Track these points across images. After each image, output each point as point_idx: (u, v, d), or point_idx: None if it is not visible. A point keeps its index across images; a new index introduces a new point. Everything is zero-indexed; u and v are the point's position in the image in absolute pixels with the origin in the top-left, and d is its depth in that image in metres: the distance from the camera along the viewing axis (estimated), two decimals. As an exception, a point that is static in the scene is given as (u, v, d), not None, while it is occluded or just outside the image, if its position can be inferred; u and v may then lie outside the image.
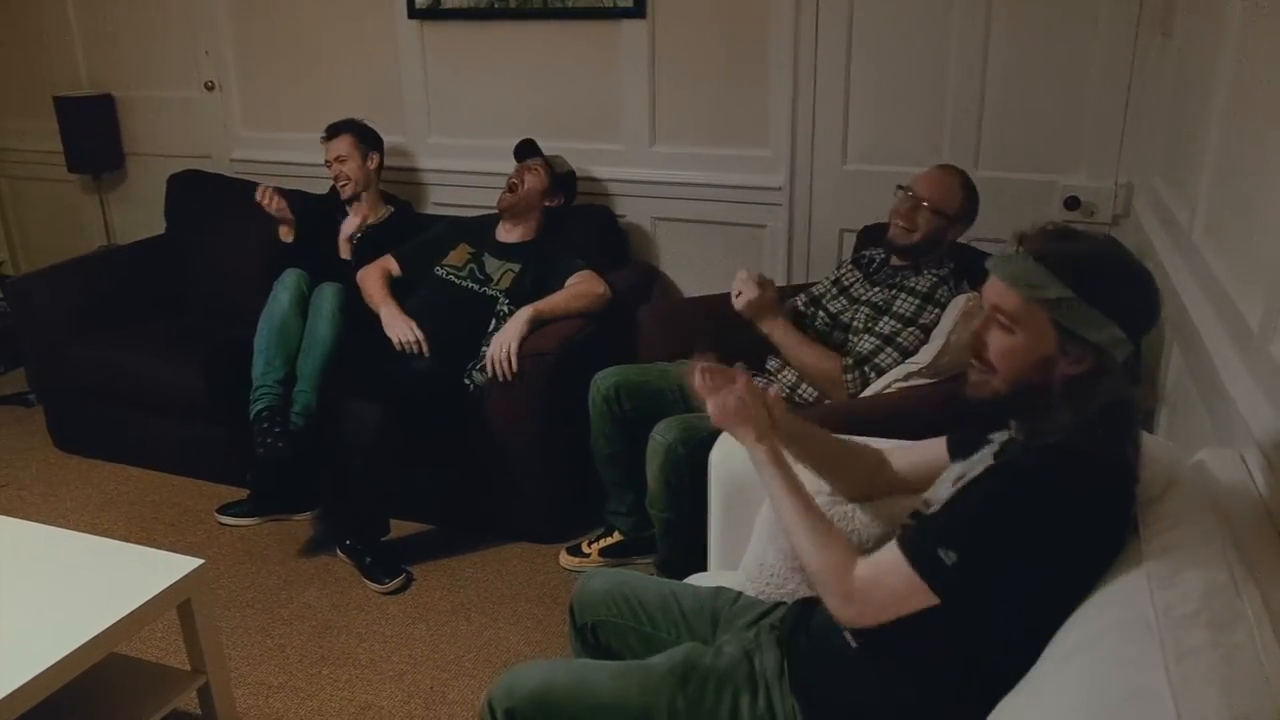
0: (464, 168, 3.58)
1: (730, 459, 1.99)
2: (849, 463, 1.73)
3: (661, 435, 2.37)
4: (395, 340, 2.92)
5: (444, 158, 3.64)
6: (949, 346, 2.31)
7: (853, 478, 1.73)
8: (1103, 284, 1.27)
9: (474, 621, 2.59)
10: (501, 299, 2.97)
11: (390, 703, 2.30)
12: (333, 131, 3.35)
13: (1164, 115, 2.52)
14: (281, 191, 3.20)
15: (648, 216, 3.43)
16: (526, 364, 2.73)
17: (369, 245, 3.29)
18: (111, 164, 4.22)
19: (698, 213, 3.35)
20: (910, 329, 2.39)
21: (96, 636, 1.77)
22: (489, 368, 2.75)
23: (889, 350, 2.39)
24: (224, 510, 3.07)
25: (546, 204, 3.13)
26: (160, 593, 1.89)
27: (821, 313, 2.61)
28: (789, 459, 1.54)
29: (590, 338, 2.89)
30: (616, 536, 2.78)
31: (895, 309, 2.42)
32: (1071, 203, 2.85)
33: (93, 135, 4.11)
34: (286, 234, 3.24)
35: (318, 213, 3.40)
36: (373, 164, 3.35)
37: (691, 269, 3.43)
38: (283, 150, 3.87)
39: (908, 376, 2.35)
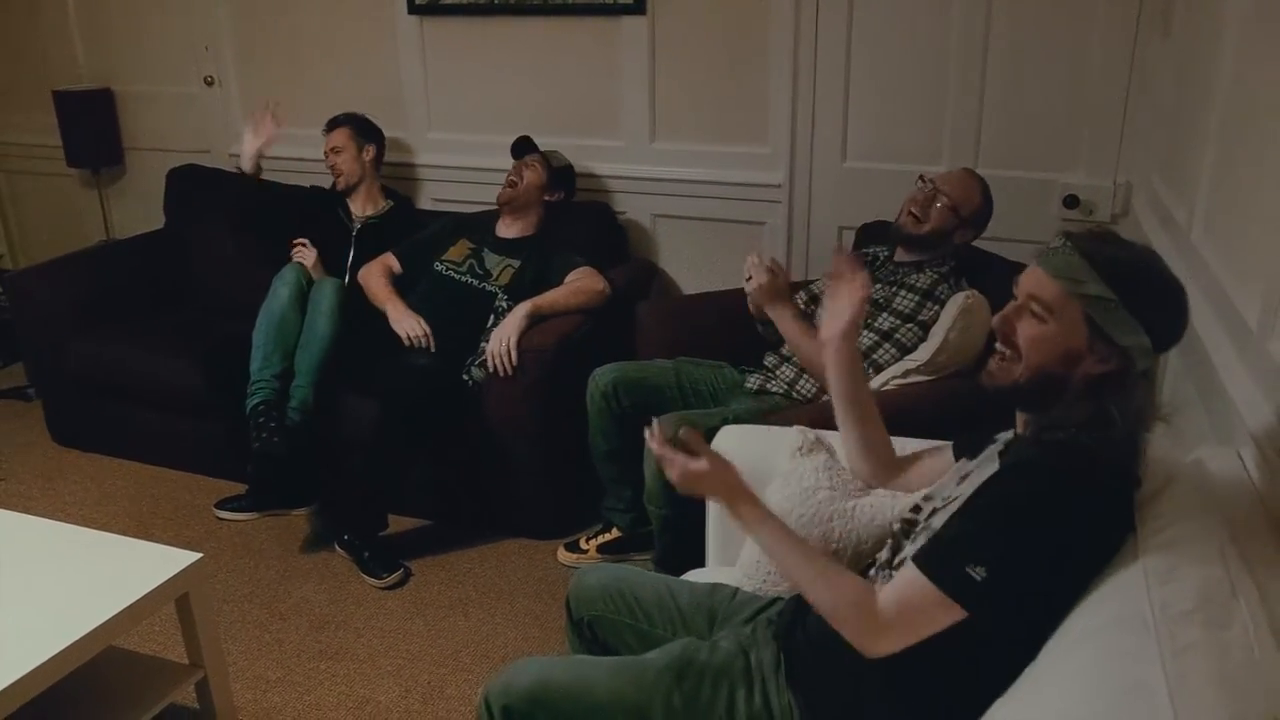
0: (464, 163, 3.58)
1: (728, 455, 1.97)
2: (873, 442, 1.75)
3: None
4: (403, 335, 2.92)
5: (444, 153, 3.64)
6: (948, 344, 2.31)
7: (869, 459, 1.75)
8: (1141, 291, 1.29)
9: (472, 617, 2.59)
10: (500, 295, 2.97)
11: (388, 697, 2.31)
12: (331, 125, 3.37)
13: (1163, 114, 2.52)
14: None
15: (647, 213, 3.43)
16: (525, 360, 2.73)
17: (368, 238, 3.29)
18: (111, 159, 4.22)
19: (697, 210, 3.35)
20: (909, 325, 2.39)
21: (95, 630, 1.77)
22: (489, 362, 2.75)
23: (887, 346, 2.39)
24: (222, 505, 3.07)
25: (546, 199, 3.13)
26: (158, 586, 1.90)
27: (822, 310, 2.61)
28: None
29: (589, 334, 2.89)
30: (615, 533, 2.79)
31: (894, 305, 2.42)
32: (1070, 201, 2.85)
33: (92, 130, 4.10)
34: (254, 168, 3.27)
35: (318, 204, 3.41)
36: (368, 156, 3.36)
37: (691, 266, 3.43)
38: (282, 146, 3.83)
39: (906, 373, 2.35)
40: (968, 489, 1.40)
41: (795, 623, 1.54)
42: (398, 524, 2.94)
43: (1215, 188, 1.92)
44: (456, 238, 3.15)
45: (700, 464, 1.49)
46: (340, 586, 2.72)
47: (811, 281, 2.82)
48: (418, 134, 3.67)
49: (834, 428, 1.80)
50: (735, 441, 2.03)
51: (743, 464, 1.97)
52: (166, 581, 1.91)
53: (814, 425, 1.96)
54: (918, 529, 1.45)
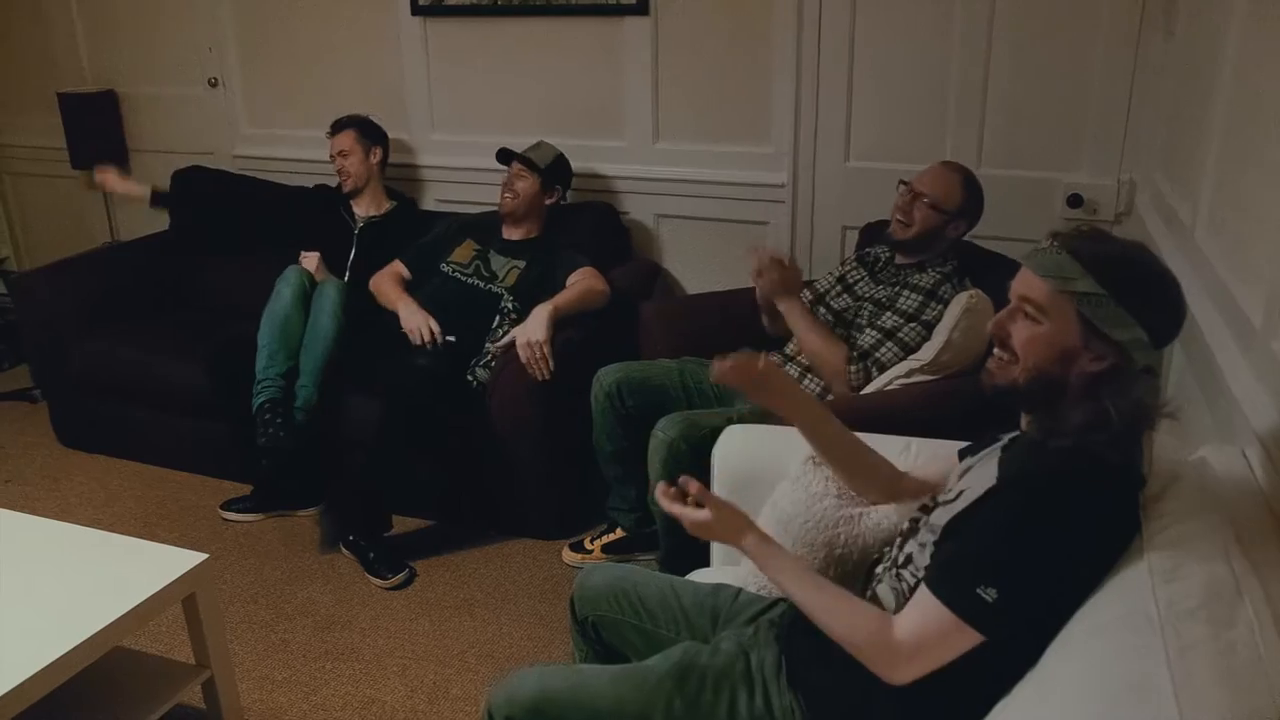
0: (467, 164, 3.59)
1: (733, 455, 1.99)
2: (868, 467, 1.74)
3: (664, 432, 2.37)
4: (414, 333, 2.92)
5: (447, 154, 3.64)
6: (951, 343, 2.31)
7: (869, 482, 1.74)
8: (1132, 285, 1.28)
9: (477, 617, 2.60)
10: (507, 296, 2.97)
11: (393, 698, 2.31)
12: (336, 127, 3.38)
13: (1166, 113, 2.52)
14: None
15: (650, 213, 3.43)
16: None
17: (369, 238, 3.30)
18: (115, 160, 4.20)
19: (700, 210, 3.35)
20: (912, 325, 2.39)
21: (102, 630, 1.78)
22: (529, 370, 2.72)
23: (890, 345, 2.39)
24: (228, 506, 3.08)
25: (546, 202, 3.13)
26: (165, 587, 1.90)
27: (825, 309, 2.61)
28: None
29: (593, 334, 2.89)
30: (619, 533, 2.79)
31: (898, 305, 2.43)
32: (1074, 200, 2.85)
33: (96, 131, 4.11)
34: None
35: (320, 203, 3.42)
36: (375, 158, 3.37)
37: (694, 266, 3.43)
38: (285, 147, 3.87)
39: (909, 373, 2.36)
40: (969, 484, 1.40)
41: (797, 624, 1.54)
42: (403, 524, 2.95)
43: (1219, 186, 1.92)
44: (462, 238, 3.16)
45: (703, 515, 1.49)
46: (346, 587, 2.73)
47: (815, 281, 2.82)
48: (421, 135, 3.67)
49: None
50: (740, 442, 2.03)
51: (747, 465, 1.99)
52: (173, 582, 1.92)
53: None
54: (920, 525, 1.45)
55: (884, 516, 1.73)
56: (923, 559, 1.39)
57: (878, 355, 2.39)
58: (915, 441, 1.88)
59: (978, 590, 1.24)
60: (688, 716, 1.47)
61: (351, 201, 3.38)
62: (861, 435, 1.81)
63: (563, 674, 1.55)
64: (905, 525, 1.52)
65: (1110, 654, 1.08)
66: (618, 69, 3.33)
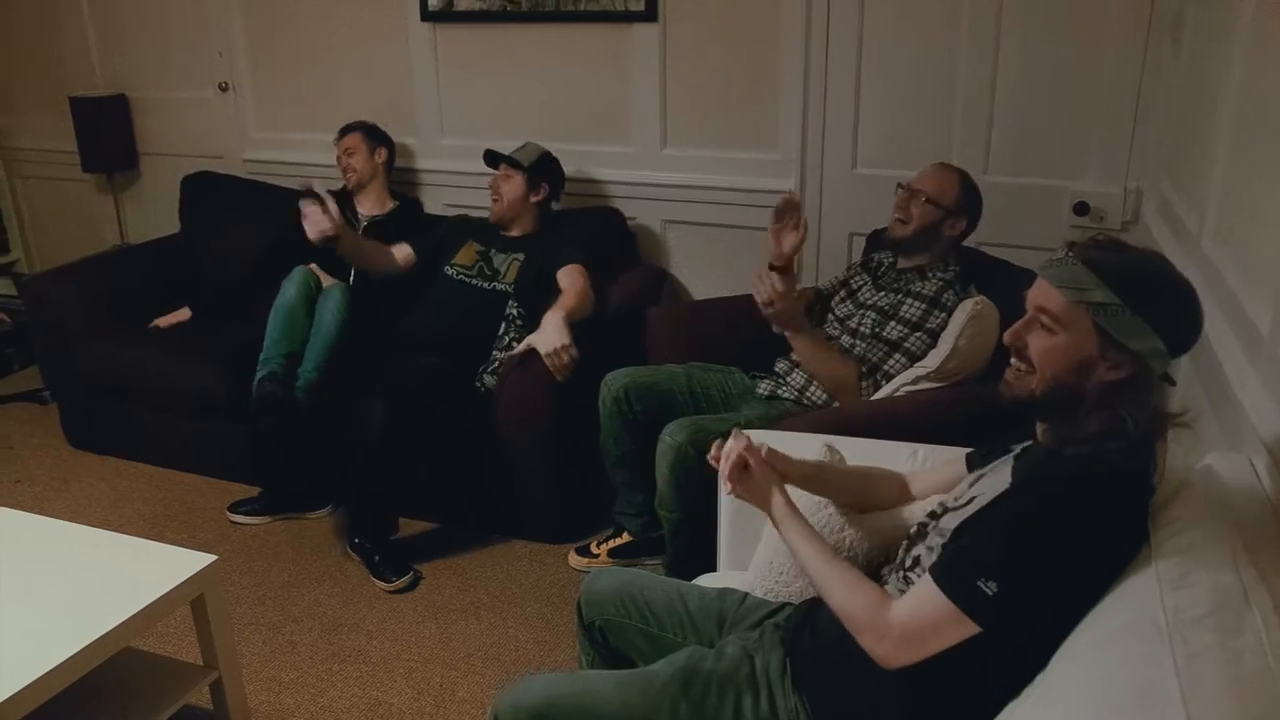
0: (475, 169, 3.57)
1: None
2: (869, 493, 1.75)
3: (671, 437, 2.38)
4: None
5: (456, 159, 3.65)
6: (957, 351, 2.32)
7: (873, 505, 1.75)
8: (1148, 294, 1.29)
9: (483, 620, 2.61)
10: (512, 303, 2.98)
11: (400, 700, 2.32)
12: (344, 131, 3.44)
13: (1173, 121, 2.53)
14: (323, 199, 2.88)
15: (658, 219, 3.44)
16: (538, 366, 2.73)
17: (374, 238, 3.31)
18: (126, 163, 4.25)
19: (708, 216, 3.36)
20: (917, 334, 2.40)
21: (112, 631, 1.79)
22: (554, 374, 2.72)
23: (898, 356, 2.40)
24: (235, 508, 3.09)
25: (533, 199, 3.12)
26: (175, 588, 1.91)
27: (830, 315, 2.62)
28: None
29: (600, 339, 2.90)
30: (625, 537, 2.79)
31: (902, 314, 2.43)
32: (1081, 208, 2.85)
33: (107, 135, 4.14)
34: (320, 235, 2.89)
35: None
36: (380, 158, 3.42)
37: (701, 271, 3.44)
38: (295, 151, 3.89)
39: (916, 380, 2.36)
40: (981, 491, 1.40)
41: (803, 627, 1.55)
42: (409, 527, 2.96)
43: (1226, 194, 1.93)
44: (465, 239, 3.17)
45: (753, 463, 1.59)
46: (353, 589, 2.73)
47: (820, 286, 2.83)
48: (430, 140, 3.69)
49: (847, 433, 1.80)
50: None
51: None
52: (183, 583, 1.93)
53: (825, 431, 1.97)
54: (929, 529, 1.46)
55: (890, 520, 1.74)
56: (930, 562, 1.39)
57: (885, 367, 2.40)
58: (923, 448, 1.89)
59: (979, 583, 1.25)
60: None
61: (355, 201, 3.41)
62: (868, 442, 1.83)
63: (567, 680, 1.56)
64: (913, 529, 1.52)
65: (1117, 661, 1.08)
66: (626, 75, 3.34)
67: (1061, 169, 2.87)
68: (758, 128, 3.23)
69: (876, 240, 2.89)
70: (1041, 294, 1.34)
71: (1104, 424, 1.28)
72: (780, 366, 2.61)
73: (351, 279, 3.25)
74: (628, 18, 3.25)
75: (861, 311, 2.54)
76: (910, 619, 1.31)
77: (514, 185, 3.10)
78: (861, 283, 2.64)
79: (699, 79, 3.26)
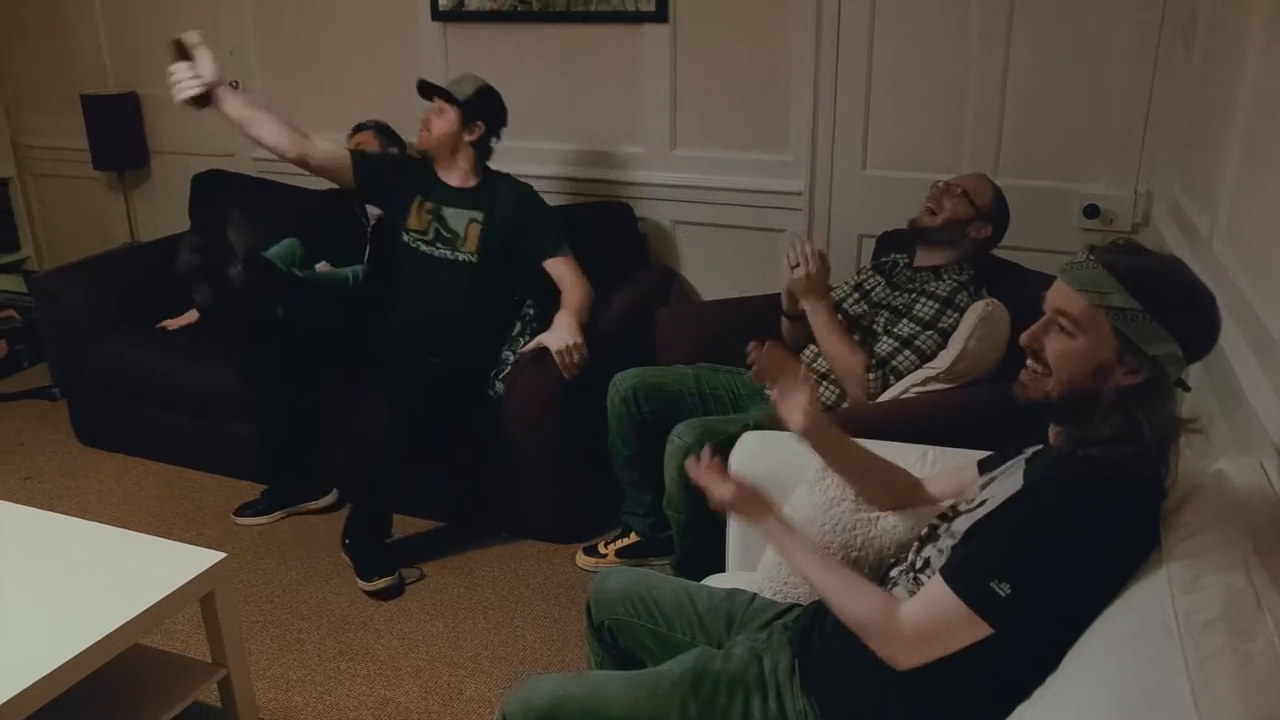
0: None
1: (749, 461, 1.99)
2: (882, 478, 1.75)
3: (680, 437, 2.38)
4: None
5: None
6: (967, 352, 2.31)
7: (883, 492, 1.75)
8: (1168, 300, 1.28)
9: (491, 620, 2.61)
10: (528, 303, 2.97)
11: (408, 698, 2.32)
12: (357, 129, 3.41)
13: (1185, 123, 2.52)
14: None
15: (667, 219, 3.44)
16: (548, 366, 2.74)
17: (376, 237, 3.32)
18: (136, 161, 4.27)
19: (717, 216, 3.36)
20: (929, 333, 2.39)
21: (120, 628, 1.79)
22: (564, 371, 2.72)
23: (907, 353, 2.39)
24: (240, 512, 3.08)
25: (467, 139, 2.93)
26: (183, 585, 1.92)
27: (841, 316, 2.62)
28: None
29: (609, 339, 2.90)
30: (633, 537, 2.79)
31: (915, 312, 2.42)
32: (1091, 211, 2.84)
33: (118, 133, 4.15)
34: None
35: (331, 205, 3.44)
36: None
37: (710, 272, 3.44)
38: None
39: (925, 381, 2.35)
40: (993, 494, 1.40)
41: (812, 629, 1.55)
42: (416, 526, 2.97)
43: (1238, 197, 1.92)
44: (411, 197, 2.99)
45: (728, 490, 1.60)
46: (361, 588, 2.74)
47: (831, 288, 2.82)
48: (439, 139, 3.69)
49: (857, 435, 1.80)
50: (756, 448, 2.03)
51: (763, 471, 1.98)
52: (191, 581, 1.93)
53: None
54: (941, 531, 1.45)
55: (900, 521, 1.73)
56: (941, 564, 1.39)
57: (895, 363, 2.39)
58: (933, 450, 1.89)
59: (991, 584, 1.25)
60: None
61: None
62: (878, 444, 1.82)
63: (576, 680, 1.56)
64: (924, 530, 1.52)
65: (1128, 664, 1.08)
66: (636, 76, 3.34)
67: (1072, 171, 2.87)
68: (768, 129, 3.23)
69: (887, 242, 2.89)
70: (1061, 296, 1.34)
71: (1119, 428, 1.28)
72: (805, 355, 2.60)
73: (361, 272, 3.26)
74: (638, 18, 3.26)
75: (875, 310, 2.53)
76: (921, 620, 1.31)
77: (446, 120, 2.90)
78: (875, 283, 2.64)
79: (709, 79, 3.26)
